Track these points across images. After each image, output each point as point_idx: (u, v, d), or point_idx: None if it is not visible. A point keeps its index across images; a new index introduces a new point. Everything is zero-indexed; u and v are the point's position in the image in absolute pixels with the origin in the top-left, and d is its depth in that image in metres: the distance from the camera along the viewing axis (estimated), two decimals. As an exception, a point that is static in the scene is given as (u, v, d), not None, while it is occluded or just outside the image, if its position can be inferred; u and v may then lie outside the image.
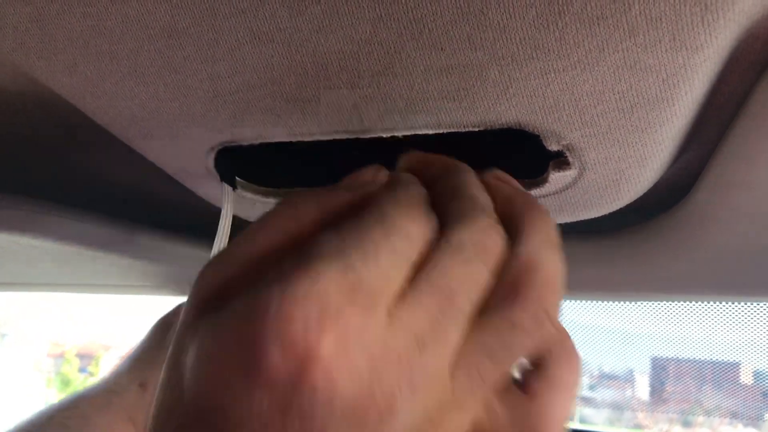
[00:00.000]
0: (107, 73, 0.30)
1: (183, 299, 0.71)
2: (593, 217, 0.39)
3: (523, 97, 0.28)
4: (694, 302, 0.85)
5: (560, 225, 0.44)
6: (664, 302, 0.85)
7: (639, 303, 0.92)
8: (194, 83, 0.30)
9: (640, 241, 0.47)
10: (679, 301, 0.83)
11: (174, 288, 0.70)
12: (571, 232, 0.52)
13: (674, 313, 1.21)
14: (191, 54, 0.28)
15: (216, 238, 0.38)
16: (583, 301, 0.88)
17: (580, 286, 0.60)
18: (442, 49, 0.26)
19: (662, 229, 0.45)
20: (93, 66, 0.29)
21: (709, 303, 0.90)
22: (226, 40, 0.27)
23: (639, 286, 0.56)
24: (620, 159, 0.32)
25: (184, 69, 0.29)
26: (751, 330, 1.15)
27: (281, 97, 0.30)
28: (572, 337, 0.23)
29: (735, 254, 0.45)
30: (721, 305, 1.04)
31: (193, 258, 0.53)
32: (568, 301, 0.89)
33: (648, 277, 0.53)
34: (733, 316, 1.13)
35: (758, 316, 1.06)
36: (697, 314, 1.19)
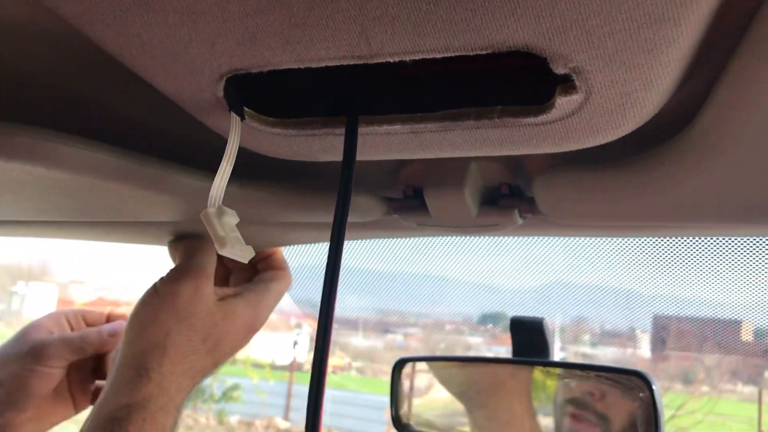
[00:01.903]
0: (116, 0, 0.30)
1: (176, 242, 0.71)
2: (598, 144, 0.40)
3: (531, 18, 0.28)
4: (701, 237, 0.84)
5: (563, 155, 0.44)
6: (670, 238, 0.84)
7: (642, 243, 0.92)
8: (203, 8, 0.30)
9: (644, 169, 0.47)
10: (683, 236, 0.82)
11: (174, 227, 0.70)
12: (574, 162, 0.52)
13: (676, 272, 1.22)
14: None
15: (221, 165, 0.39)
16: (589, 238, 0.88)
17: (586, 217, 0.59)
18: None
19: (668, 155, 0.45)
20: None
21: (714, 239, 0.90)
22: None
23: (647, 217, 0.56)
24: (626, 82, 0.32)
25: None
26: (751, 287, 1.16)
27: (290, 21, 0.30)
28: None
29: (740, 179, 0.45)
30: (728, 258, 1.04)
31: (197, 190, 0.54)
32: (572, 239, 0.89)
33: (656, 206, 0.52)
34: (735, 271, 1.14)
35: (758, 271, 1.07)
36: (699, 271, 1.20)
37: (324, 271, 0.39)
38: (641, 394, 0.84)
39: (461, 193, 0.57)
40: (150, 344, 0.61)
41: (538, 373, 0.99)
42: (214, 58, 0.34)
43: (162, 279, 0.65)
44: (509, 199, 0.61)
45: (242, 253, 0.41)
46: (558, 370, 0.98)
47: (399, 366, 0.98)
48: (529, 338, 0.93)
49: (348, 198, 0.40)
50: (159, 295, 0.64)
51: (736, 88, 0.34)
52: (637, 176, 0.48)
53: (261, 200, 0.59)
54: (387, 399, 1.00)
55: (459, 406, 1.05)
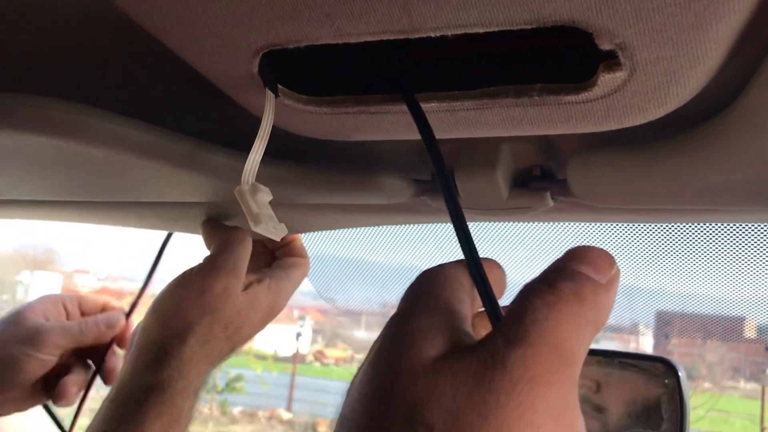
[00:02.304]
0: None
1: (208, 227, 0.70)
2: (639, 123, 0.39)
3: None
4: (736, 224, 0.82)
5: (598, 135, 0.43)
6: (705, 222, 0.81)
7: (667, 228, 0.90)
8: None
9: (684, 150, 0.46)
10: (721, 222, 0.80)
11: (205, 208, 0.70)
12: (609, 143, 0.51)
13: (680, 268, 1.21)
14: None
15: (255, 142, 0.38)
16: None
17: (619, 200, 0.58)
18: None
19: (708, 137, 0.44)
20: None
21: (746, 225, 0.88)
22: None
23: (684, 200, 0.54)
24: (672, 59, 0.31)
25: None
26: (756, 284, 1.16)
27: None
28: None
29: None
30: (734, 251, 1.03)
31: (229, 169, 0.53)
32: (608, 235, 0.87)
33: (693, 189, 0.51)
34: (740, 269, 1.13)
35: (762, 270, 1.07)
36: (703, 268, 1.20)
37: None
38: (666, 381, 0.83)
39: (493, 175, 0.56)
40: (171, 333, 0.62)
41: None
42: (250, 33, 0.33)
43: (193, 269, 0.66)
44: (541, 181, 0.59)
45: (275, 231, 0.40)
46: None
47: None
48: None
49: (444, 176, 0.38)
50: (187, 286, 0.65)
51: None
52: (676, 157, 0.47)
53: (290, 181, 0.59)
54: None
55: None
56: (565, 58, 0.35)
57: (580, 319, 0.27)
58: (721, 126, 0.42)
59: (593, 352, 0.96)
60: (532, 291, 0.28)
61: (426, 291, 0.32)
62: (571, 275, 0.28)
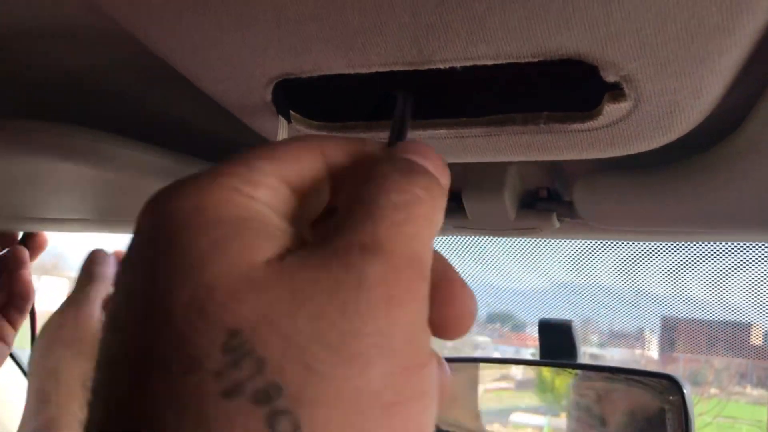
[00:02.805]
0: (169, 3, 0.30)
1: None
2: (644, 150, 0.39)
3: (584, 27, 0.28)
4: (739, 243, 0.84)
5: (605, 159, 0.44)
6: (704, 243, 0.84)
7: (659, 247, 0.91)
8: (258, 13, 0.30)
9: (688, 175, 0.47)
10: (726, 241, 0.82)
11: None
12: (615, 166, 0.51)
13: (685, 274, 1.21)
14: None
15: None
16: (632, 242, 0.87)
17: (625, 222, 0.59)
18: None
19: (712, 162, 0.45)
20: None
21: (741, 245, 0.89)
22: None
23: (687, 222, 0.56)
24: (676, 90, 0.32)
25: (247, 0, 0.29)
26: (762, 290, 1.15)
27: (344, 27, 0.30)
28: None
29: None
30: (740, 261, 1.03)
31: None
32: (610, 243, 0.87)
33: (697, 213, 0.52)
34: (746, 274, 1.13)
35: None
36: (708, 274, 1.20)
37: None
38: (671, 397, 0.84)
39: (500, 197, 0.57)
40: (46, 372, 0.65)
41: (546, 372, 0.98)
42: (265, 63, 0.34)
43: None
44: (548, 202, 0.61)
45: None
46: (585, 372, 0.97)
47: None
48: (557, 340, 0.92)
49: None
50: (50, 325, 0.68)
51: None
52: (680, 182, 0.48)
53: None
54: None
55: (491, 405, 1.05)
56: (572, 85, 0.36)
57: (432, 224, 0.23)
58: (724, 153, 0.43)
59: (600, 368, 0.96)
60: (385, 178, 0.23)
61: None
62: (423, 171, 0.24)
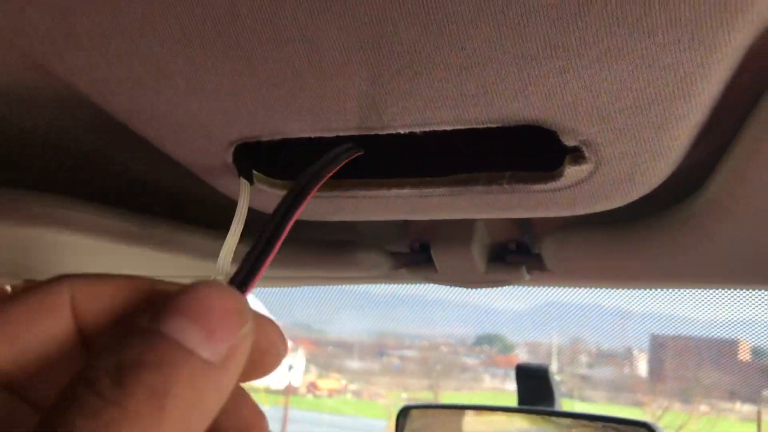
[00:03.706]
0: (128, 71, 0.30)
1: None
2: (607, 209, 0.40)
3: (541, 95, 0.28)
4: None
5: (575, 215, 0.44)
6: (675, 289, 0.88)
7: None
8: (215, 81, 0.30)
9: (653, 231, 0.48)
10: (691, 289, 0.86)
11: (187, 279, 0.72)
12: (583, 222, 0.52)
13: (674, 293, 1.21)
14: (213, 53, 0.28)
15: (230, 231, 0.38)
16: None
17: (592, 274, 0.60)
18: (462, 48, 0.26)
19: (675, 220, 0.46)
20: (114, 65, 0.29)
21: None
22: (247, 40, 0.27)
23: (651, 275, 0.57)
24: (636, 154, 0.33)
25: (206, 67, 0.29)
26: (751, 309, 1.16)
27: (302, 95, 0.30)
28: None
29: (748, 246, 0.45)
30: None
31: (208, 249, 0.54)
32: (579, 288, 0.91)
33: (661, 267, 0.53)
34: (734, 297, 1.13)
35: (759, 298, 1.07)
36: (697, 294, 1.20)
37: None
38: None
39: (469, 250, 0.57)
40: None
41: (534, 419, 0.98)
42: (224, 128, 0.34)
43: None
44: (517, 255, 0.61)
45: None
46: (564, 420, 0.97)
47: (403, 413, 0.97)
48: (534, 385, 0.93)
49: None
50: None
51: (745, 157, 0.35)
52: (645, 238, 0.49)
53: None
54: (383, 423, 0.99)
55: None
56: (536, 146, 0.36)
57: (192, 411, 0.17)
58: (686, 211, 0.44)
59: (577, 416, 0.97)
60: (85, 376, 0.16)
61: None
62: (164, 347, 0.17)
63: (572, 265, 0.58)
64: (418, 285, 1.08)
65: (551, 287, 0.86)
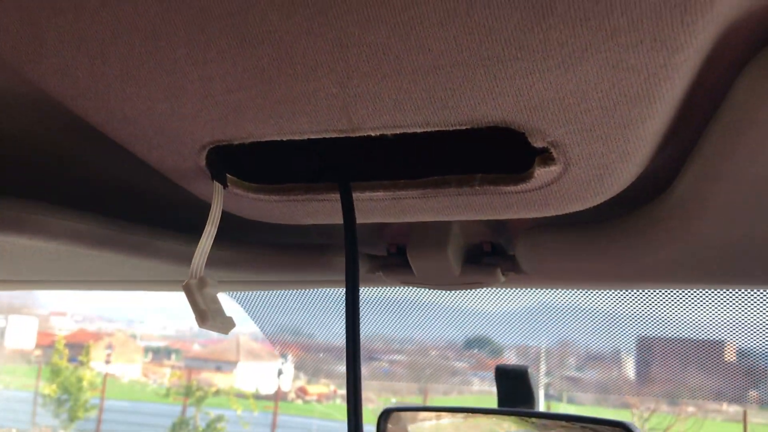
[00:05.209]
0: (99, 75, 0.30)
1: (172, 293, 0.72)
2: (578, 210, 0.40)
3: (508, 96, 0.29)
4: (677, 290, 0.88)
5: (547, 216, 0.44)
6: (650, 291, 0.88)
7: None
8: (186, 84, 0.30)
9: (624, 231, 0.49)
10: (663, 289, 0.87)
11: (163, 283, 0.71)
12: (556, 223, 0.53)
13: (659, 296, 1.22)
14: (182, 56, 0.28)
15: (204, 234, 0.39)
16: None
17: (566, 276, 0.61)
18: (429, 50, 0.27)
19: (645, 220, 0.46)
20: (85, 68, 0.30)
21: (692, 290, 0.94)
22: (217, 42, 0.27)
23: (624, 276, 0.58)
24: (604, 154, 0.33)
25: (175, 71, 0.29)
26: (734, 311, 1.17)
27: (271, 97, 0.31)
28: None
29: (717, 244, 0.46)
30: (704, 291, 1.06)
31: (183, 253, 0.54)
32: (552, 290, 0.91)
33: (633, 267, 0.54)
34: (716, 298, 1.15)
35: (740, 299, 1.08)
36: (681, 297, 1.21)
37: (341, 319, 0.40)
38: None
39: (444, 253, 0.58)
40: None
41: (515, 420, 0.98)
42: (196, 131, 0.34)
43: None
44: (492, 257, 0.62)
45: (223, 326, 0.40)
46: (542, 420, 0.97)
47: (385, 416, 0.96)
48: (514, 387, 0.93)
49: (356, 258, 0.40)
50: None
51: (711, 157, 0.35)
52: (617, 238, 0.49)
53: (240, 262, 0.60)
54: (372, 428, 0.99)
55: None
56: (505, 148, 0.37)
57: None
58: (657, 211, 0.44)
59: (555, 417, 0.98)
60: None
61: None
62: None
63: (546, 266, 0.58)
64: (406, 288, 1.08)
65: (530, 289, 0.86)
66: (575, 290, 0.88)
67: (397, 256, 0.64)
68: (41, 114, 0.42)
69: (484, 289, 0.88)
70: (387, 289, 1.04)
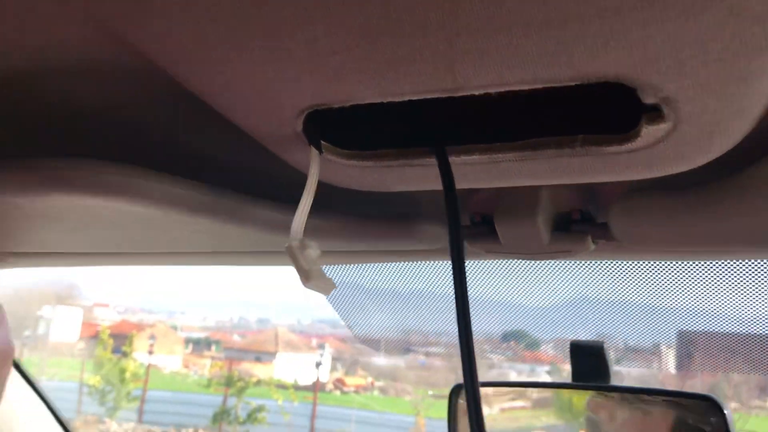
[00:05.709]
0: (202, 38, 0.30)
1: (262, 267, 0.71)
2: (682, 170, 0.39)
3: (623, 50, 0.27)
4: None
5: (641, 180, 0.42)
6: (740, 261, 0.83)
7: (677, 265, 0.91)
8: (290, 46, 0.30)
9: (724, 195, 0.46)
10: (759, 258, 0.81)
11: (251, 255, 0.72)
12: (650, 188, 0.51)
13: (702, 286, 1.20)
14: (288, 16, 0.28)
15: (301, 201, 0.39)
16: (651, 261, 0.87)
17: (664, 243, 0.58)
18: (545, 2, 0.25)
19: (748, 182, 0.44)
20: (189, 31, 0.30)
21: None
22: (323, 1, 0.26)
23: (727, 243, 0.55)
24: (717, 111, 0.31)
25: (279, 32, 0.29)
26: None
27: (377, 57, 0.30)
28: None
29: None
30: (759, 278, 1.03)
31: (275, 222, 0.54)
32: (647, 262, 0.87)
33: (737, 233, 0.51)
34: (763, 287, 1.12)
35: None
36: (727, 286, 1.19)
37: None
38: (712, 419, 0.83)
39: (533, 220, 0.56)
40: None
41: (563, 391, 0.97)
42: (297, 95, 0.34)
43: None
44: (581, 224, 0.59)
45: (325, 286, 0.39)
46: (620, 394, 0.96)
47: (456, 391, 0.94)
48: (589, 362, 0.91)
49: (459, 227, 0.38)
50: None
51: None
52: (716, 202, 0.47)
53: (329, 230, 0.59)
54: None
55: (507, 426, 1.04)
56: (609, 107, 0.35)
57: None
58: (758, 174, 0.42)
59: (637, 391, 0.96)
60: None
61: None
62: None
63: (641, 233, 0.55)
64: (443, 282, 1.09)
65: (614, 260, 0.81)
66: (664, 261, 0.83)
67: (482, 225, 0.61)
68: (140, 84, 0.43)
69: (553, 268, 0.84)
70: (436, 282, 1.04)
